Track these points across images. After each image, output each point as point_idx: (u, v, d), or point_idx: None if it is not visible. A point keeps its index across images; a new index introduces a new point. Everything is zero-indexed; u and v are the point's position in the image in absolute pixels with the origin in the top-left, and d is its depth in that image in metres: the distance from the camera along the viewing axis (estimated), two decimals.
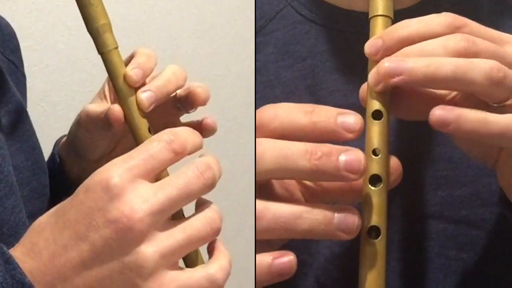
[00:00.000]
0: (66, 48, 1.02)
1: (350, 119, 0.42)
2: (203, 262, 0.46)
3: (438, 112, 0.41)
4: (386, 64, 0.42)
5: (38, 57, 1.00)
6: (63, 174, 0.61)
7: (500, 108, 0.43)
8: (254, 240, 0.44)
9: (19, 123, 0.58)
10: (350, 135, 0.42)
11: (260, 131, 0.43)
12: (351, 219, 0.41)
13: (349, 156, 0.41)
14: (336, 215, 0.41)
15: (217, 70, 1.20)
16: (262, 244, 0.44)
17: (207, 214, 0.43)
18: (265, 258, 0.42)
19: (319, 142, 0.42)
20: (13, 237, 0.50)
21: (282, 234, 0.42)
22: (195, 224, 0.42)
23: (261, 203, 0.42)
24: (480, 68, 0.41)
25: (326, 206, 0.42)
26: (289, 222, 0.41)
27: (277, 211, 0.41)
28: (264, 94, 0.60)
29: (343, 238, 0.42)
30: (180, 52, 1.15)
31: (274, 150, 0.41)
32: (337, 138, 0.42)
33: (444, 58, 0.42)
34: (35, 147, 0.59)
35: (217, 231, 0.43)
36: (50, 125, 1.00)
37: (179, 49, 1.15)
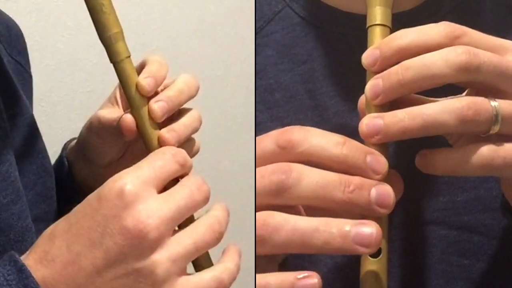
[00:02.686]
0: (66, 48, 1.02)
1: (378, 161, 0.42)
2: (210, 262, 0.46)
3: (417, 160, 0.45)
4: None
5: (38, 57, 1.00)
6: (71, 178, 0.61)
7: (487, 137, 0.43)
8: (254, 240, 0.44)
9: (25, 127, 0.58)
10: (376, 177, 0.42)
11: (286, 151, 0.42)
12: (369, 232, 0.40)
13: (379, 190, 0.41)
14: (353, 228, 0.41)
15: (217, 70, 1.20)
16: (263, 258, 0.44)
17: (209, 220, 0.44)
18: (287, 278, 0.41)
19: (344, 173, 0.42)
20: (20, 242, 0.50)
21: (299, 249, 0.42)
22: (200, 230, 0.43)
23: (280, 216, 0.42)
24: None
25: (343, 220, 0.41)
26: (306, 235, 0.41)
27: (295, 223, 0.41)
28: (264, 98, 0.60)
29: (361, 252, 0.41)
30: (180, 52, 1.15)
31: (311, 178, 0.41)
32: (363, 176, 0.42)
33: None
34: (41, 150, 0.59)
35: (220, 236, 0.44)
36: (50, 125, 1.00)
37: (179, 49, 1.15)
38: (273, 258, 0.45)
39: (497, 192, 0.54)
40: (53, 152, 0.64)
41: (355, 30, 0.56)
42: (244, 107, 1.22)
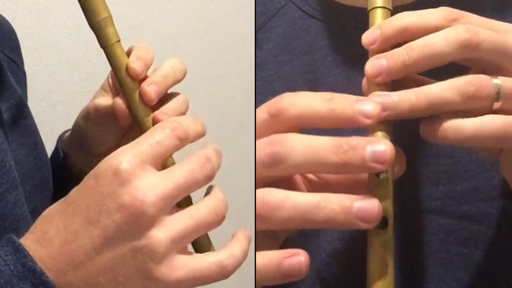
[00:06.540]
0: (66, 48, 1.02)
1: (368, 105, 0.42)
2: (213, 249, 0.46)
3: (423, 127, 0.44)
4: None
5: (38, 57, 1.00)
6: (66, 169, 0.61)
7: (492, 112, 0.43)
8: (255, 239, 0.44)
9: (21, 119, 0.58)
10: (367, 121, 0.42)
11: (277, 118, 0.42)
12: (370, 207, 0.40)
13: (375, 146, 0.41)
14: (355, 203, 0.40)
15: (217, 70, 1.20)
16: (266, 237, 0.44)
17: (213, 201, 0.43)
18: (275, 257, 0.41)
19: (337, 129, 0.42)
20: (15, 231, 0.50)
21: (301, 225, 0.41)
22: (202, 210, 0.42)
23: (281, 193, 0.41)
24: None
25: (344, 195, 0.41)
26: (308, 211, 0.40)
27: (296, 200, 0.41)
28: (264, 89, 0.60)
29: (362, 227, 0.41)
30: (180, 52, 1.15)
31: (303, 145, 0.41)
32: (355, 124, 0.42)
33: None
34: (37, 142, 0.59)
35: (222, 218, 0.43)
36: (50, 125, 0.99)
37: (179, 49, 1.15)
38: (275, 235, 0.45)
39: (496, 181, 0.54)
40: None
41: (356, 23, 0.57)
42: (244, 107, 1.22)
